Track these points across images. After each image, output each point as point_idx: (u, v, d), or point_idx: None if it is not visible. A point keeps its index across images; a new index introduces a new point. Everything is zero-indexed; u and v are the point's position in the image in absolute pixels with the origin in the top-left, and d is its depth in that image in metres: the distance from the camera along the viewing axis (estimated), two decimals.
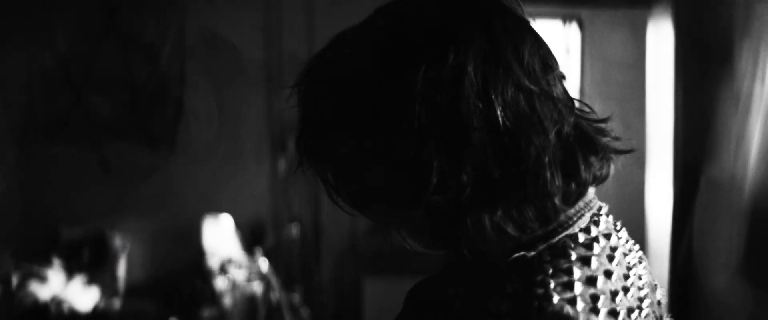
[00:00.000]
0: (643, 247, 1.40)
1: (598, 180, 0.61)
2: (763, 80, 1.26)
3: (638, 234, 1.48)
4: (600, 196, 0.65)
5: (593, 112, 0.63)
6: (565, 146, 0.58)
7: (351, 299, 1.94)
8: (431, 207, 0.57)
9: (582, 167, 0.59)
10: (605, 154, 0.61)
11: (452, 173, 0.55)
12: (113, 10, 1.56)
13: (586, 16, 2.04)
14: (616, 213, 0.69)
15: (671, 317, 0.68)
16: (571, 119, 0.59)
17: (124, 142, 1.65)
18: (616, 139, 0.63)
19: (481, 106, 0.55)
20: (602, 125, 0.62)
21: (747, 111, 1.28)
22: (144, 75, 1.61)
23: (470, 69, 0.55)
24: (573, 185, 0.59)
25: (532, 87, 0.56)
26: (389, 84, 0.56)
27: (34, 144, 1.62)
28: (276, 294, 1.74)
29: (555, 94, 0.58)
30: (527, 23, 0.59)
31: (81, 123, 1.62)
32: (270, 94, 1.70)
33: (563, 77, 0.60)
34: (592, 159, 0.60)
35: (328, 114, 0.59)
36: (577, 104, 0.60)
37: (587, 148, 0.61)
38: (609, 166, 0.62)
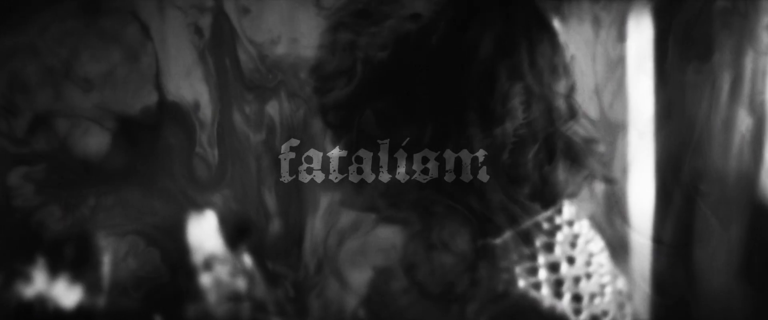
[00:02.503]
0: (626, 236, 1.41)
1: (569, 197, 0.62)
2: (744, 72, 1.28)
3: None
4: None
5: (592, 131, 0.63)
6: (550, 156, 0.59)
7: (336, 292, 1.94)
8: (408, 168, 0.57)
9: (560, 180, 0.60)
10: (586, 176, 0.62)
11: (439, 138, 0.56)
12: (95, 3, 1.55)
13: (568, 9, 2.05)
14: (601, 202, 0.69)
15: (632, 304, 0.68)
16: (563, 131, 0.59)
17: (106, 138, 1.64)
18: (603, 164, 0.64)
19: (479, 87, 0.55)
20: (593, 147, 0.63)
21: (730, 103, 1.29)
22: (125, 70, 1.60)
23: (482, 48, 0.55)
24: (546, 192, 0.59)
25: (533, 87, 0.57)
26: (406, 29, 0.56)
27: (15, 142, 1.61)
28: (261, 290, 1.73)
29: (554, 103, 0.58)
30: (551, 29, 0.60)
31: (61, 121, 1.60)
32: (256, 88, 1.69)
33: (572, 89, 0.60)
34: (569, 177, 0.61)
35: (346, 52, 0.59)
36: (576, 120, 0.61)
37: (572, 165, 0.61)
38: (582, 188, 0.62)
